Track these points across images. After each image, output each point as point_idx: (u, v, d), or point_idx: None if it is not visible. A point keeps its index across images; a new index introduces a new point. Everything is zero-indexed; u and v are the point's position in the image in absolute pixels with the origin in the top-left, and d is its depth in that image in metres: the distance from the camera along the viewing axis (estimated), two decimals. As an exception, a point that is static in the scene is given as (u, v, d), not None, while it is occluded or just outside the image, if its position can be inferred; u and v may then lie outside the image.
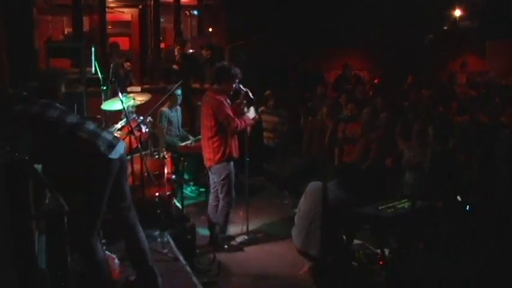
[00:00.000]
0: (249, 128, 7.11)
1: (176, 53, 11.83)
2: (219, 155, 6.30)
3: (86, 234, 4.50)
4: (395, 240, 5.82)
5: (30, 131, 4.39)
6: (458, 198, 6.25)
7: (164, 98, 7.54)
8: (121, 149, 4.58)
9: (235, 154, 6.46)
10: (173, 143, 8.26)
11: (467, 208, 6.15)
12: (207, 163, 6.46)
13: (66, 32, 15.28)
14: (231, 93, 6.52)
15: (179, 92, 8.73)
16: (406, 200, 5.79)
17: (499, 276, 3.98)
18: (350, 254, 5.73)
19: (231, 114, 6.28)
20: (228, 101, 6.41)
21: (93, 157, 4.41)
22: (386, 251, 5.87)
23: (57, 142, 4.41)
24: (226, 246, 6.58)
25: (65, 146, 4.40)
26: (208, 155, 6.39)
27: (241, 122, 6.33)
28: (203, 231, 6.80)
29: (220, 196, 6.49)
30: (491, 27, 14.88)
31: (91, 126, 4.55)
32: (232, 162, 6.44)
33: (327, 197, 5.41)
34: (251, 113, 6.59)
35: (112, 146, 4.47)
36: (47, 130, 4.42)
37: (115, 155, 4.47)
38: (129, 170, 5.64)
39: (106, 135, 4.56)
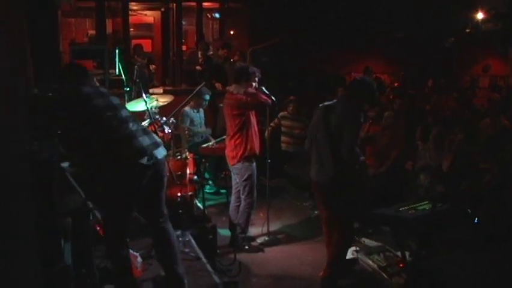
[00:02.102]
0: (267, 132, 7.15)
1: (199, 56, 11.92)
2: (241, 151, 6.34)
3: (116, 237, 4.59)
4: (416, 243, 5.81)
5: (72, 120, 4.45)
6: (469, 211, 6.18)
7: (189, 98, 7.60)
8: (158, 154, 4.62)
9: (257, 150, 6.49)
10: (195, 147, 8.27)
11: (476, 220, 6.09)
12: (230, 162, 6.50)
13: (89, 35, 15.45)
14: None
15: (207, 97, 8.78)
16: (427, 202, 5.79)
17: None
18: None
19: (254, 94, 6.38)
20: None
21: (125, 159, 4.47)
22: (407, 254, 5.89)
23: (96, 135, 4.45)
24: (247, 247, 6.62)
25: (102, 142, 4.44)
26: (231, 153, 6.44)
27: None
28: (224, 232, 6.85)
29: (242, 197, 6.54)
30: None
31: (133, 126, 4.60)
32: (254, 164, 6.49)
33: (328, 117, 5.27)
34: None
35: (144, 151, 4.50)
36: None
37: (148, 160, 4.49)
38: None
39: (144, 139, 4.58)
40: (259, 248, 6.70)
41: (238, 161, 6.39)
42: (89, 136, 4.41)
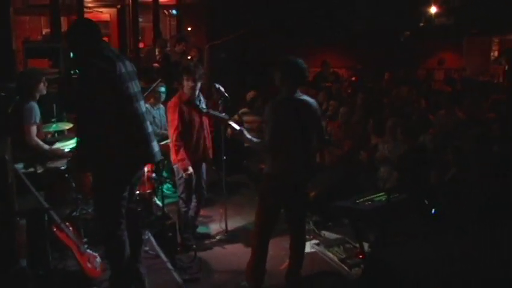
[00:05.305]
0: (229, 129, 7.13)
1: (157, 53, 11.83)
2: (174, 156, 6.37)
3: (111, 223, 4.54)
4: (374, 234, 5.90)
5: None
6: (426, 202, 6.25)
7: (145, 94, 7.55)
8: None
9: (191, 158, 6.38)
10: None
11: (433, 211, 6.16)
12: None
13: (44, 33, 15.18)
14: (197, 93, 6.47)
15: (163, 89, 8.77)
16: (383, 193, 5.87)
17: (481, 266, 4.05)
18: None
19: (174, 120, 6.32)
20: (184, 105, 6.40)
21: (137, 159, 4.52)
22: (365, 245, 5.97)
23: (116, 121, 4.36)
24: (192, 244, 6.43)
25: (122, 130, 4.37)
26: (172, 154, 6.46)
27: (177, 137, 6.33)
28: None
29: (179, 195, 6.59)
30: (467, 24, 15.04)
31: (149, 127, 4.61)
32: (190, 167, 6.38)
33: (297, 113, 5.09)
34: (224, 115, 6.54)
35: (155, 157, 4.63)
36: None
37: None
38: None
39: (155, 144, 4.65)
40: (219, 245, 6.75)
41: (175, 163, 6.43)
42: (110, 120, 4.32)
